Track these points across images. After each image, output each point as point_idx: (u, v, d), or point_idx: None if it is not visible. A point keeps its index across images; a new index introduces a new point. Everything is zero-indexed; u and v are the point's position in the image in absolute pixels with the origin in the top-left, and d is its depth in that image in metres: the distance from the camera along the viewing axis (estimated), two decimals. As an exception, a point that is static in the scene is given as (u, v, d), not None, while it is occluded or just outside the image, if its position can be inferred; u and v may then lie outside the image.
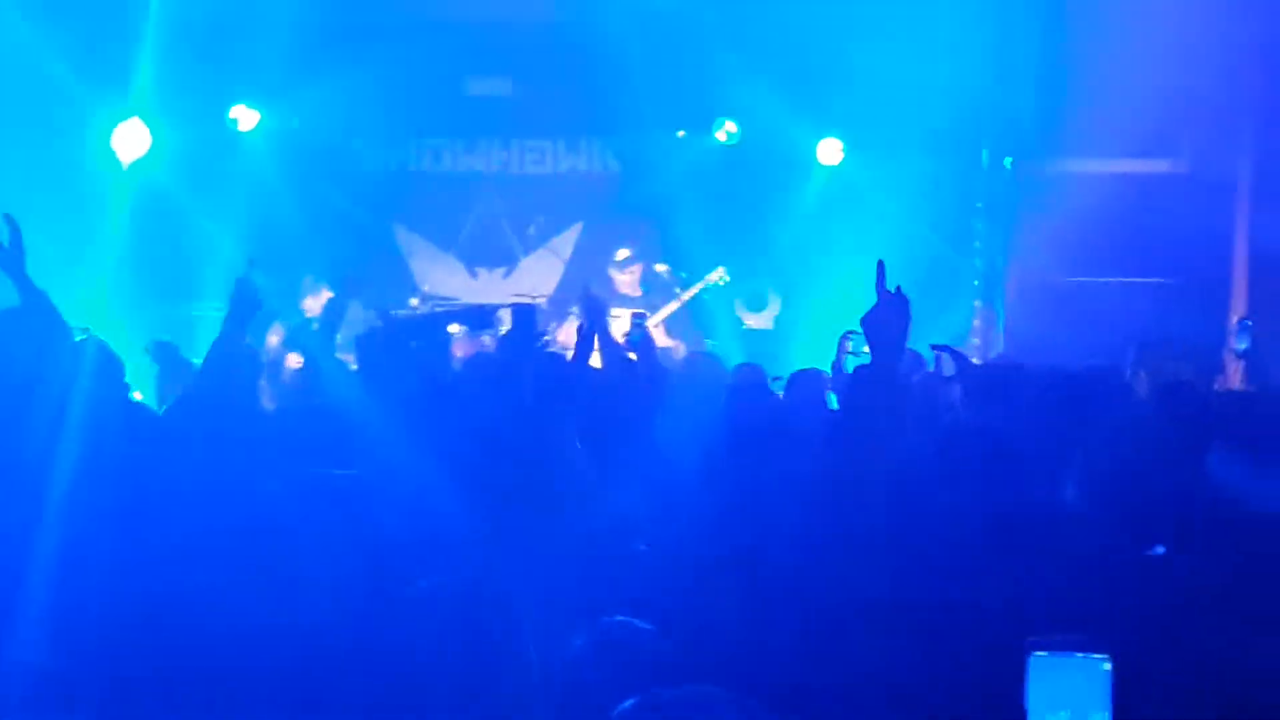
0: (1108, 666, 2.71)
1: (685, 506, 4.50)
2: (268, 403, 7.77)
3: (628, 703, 2.47)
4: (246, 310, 5.62)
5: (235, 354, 5.63)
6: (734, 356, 10.39)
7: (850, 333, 8.52)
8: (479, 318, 8.95)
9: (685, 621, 3.46)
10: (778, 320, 13.32)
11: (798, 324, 13.00)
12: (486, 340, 12.04)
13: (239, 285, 5.62)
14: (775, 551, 3.73)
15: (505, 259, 14.39)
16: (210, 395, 5.49)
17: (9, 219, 5.50)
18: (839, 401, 6.74)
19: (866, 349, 7.76)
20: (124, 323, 7.41)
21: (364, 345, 6.42)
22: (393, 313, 12.05)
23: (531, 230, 14.13)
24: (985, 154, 12.96)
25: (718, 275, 12.53)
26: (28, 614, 3.62)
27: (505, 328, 11.70)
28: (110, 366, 5.49)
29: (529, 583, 4.18)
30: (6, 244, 5.46)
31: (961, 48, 12.26)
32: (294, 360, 11.62)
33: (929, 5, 12.31)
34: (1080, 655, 2.72)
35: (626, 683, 2.65)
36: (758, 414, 5.68)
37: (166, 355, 6.97)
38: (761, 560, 3.70)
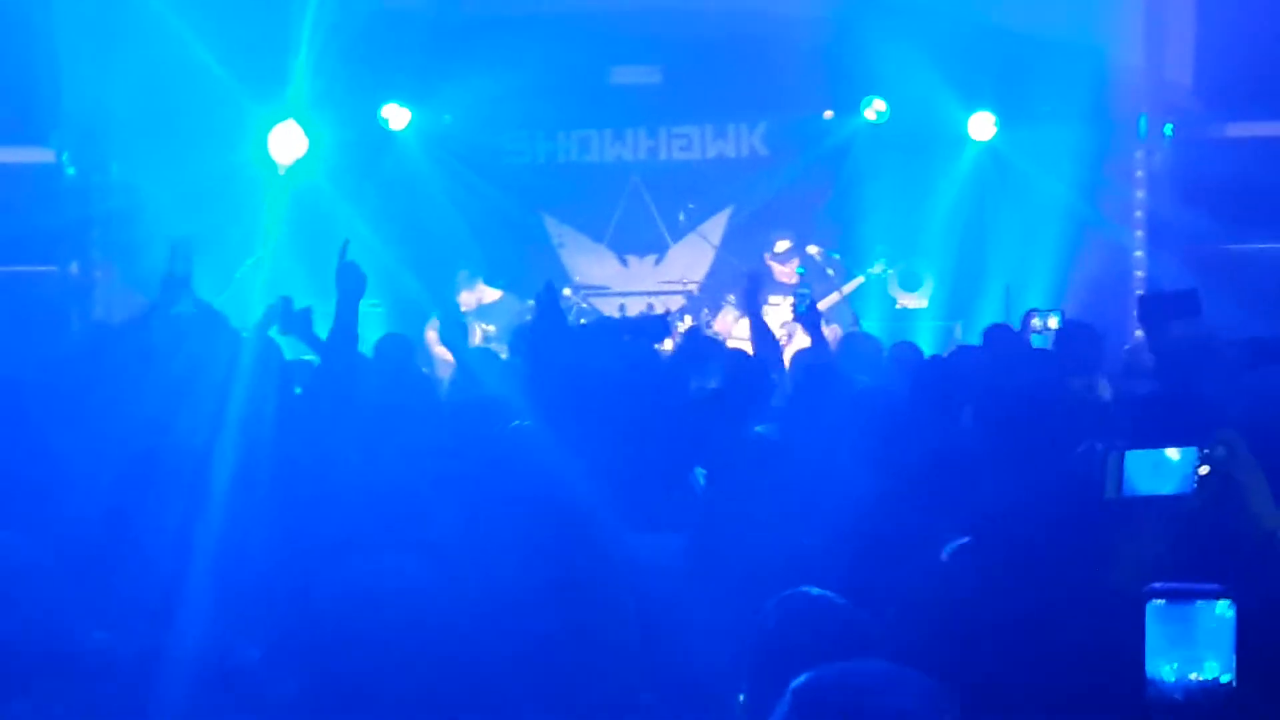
0: (1230, 613, 2.64)
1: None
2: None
3: (803, 677, 2.46)
4: (354, 293, 5.70)
5: (351, 340, 5.70)
6: (885, 337, 10.30)
7: (1034, 310, 8.38)
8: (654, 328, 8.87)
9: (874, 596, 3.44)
10: (932, 299, 13.14)
11: (953, 302, 12.84)
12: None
13: (342, 271, 5.70)
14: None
15: (655, 247, 14.40)
16: (337, 382, 5.58)
17: (180, 245, 5.82)
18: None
19: (1054, 323, 7.70)
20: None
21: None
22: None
23: (681, 217, 14.10)
24: (1143, 121, 12.65)
25: (878, 269, 12.48)
26: (194, 608, 3.69)
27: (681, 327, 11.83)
28: (275, 363, 5.65)
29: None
30: (178, 270, 5.78)
31: (1114, 9, 11.99)
32: (443, 352, 11.79)
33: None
34: (1200, 601, 2.65)
35: (814, 655, 2.64)
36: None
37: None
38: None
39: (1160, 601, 2.65)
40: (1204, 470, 2.99)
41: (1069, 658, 2.97)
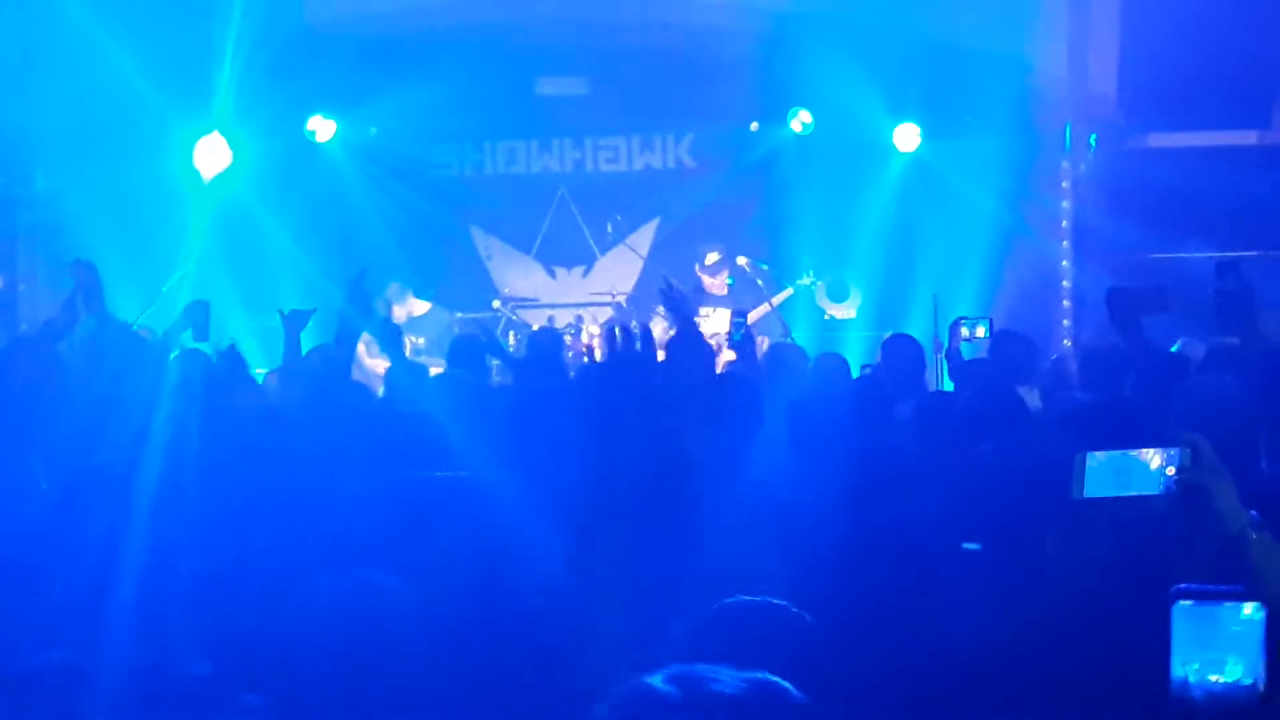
0: (1259, 615, 2.67)
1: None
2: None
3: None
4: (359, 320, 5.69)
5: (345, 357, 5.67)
6: (814, 348, 10.34)
7: (961, 319, 8.45)
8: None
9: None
10: (861, 309, 13.22)
11: (881, 313, 12.91)
12: (568, 340, 12.07)
13: (351, 291, 5.68)
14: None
15: (583, 258, 14.38)
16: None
17: (83, 265, 5.81)
18: None
19: (981, 332, 7.80)
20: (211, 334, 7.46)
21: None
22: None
23: (609, 229, 14.08)
24: (1068, 132, 12.79)
25: (806, 280, 12.54)
26: (132, 623, 3.64)
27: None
28: (199, 373, 5.60)
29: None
30: (81, 288, 5.76)
31: (1038, 21, 12.13)
32: (379, 366, 11.72)
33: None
34: (1227, 603, 2.69)
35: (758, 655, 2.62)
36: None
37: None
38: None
39: (1187, 603, 2.67)
40: (1170, 471, 3.01)
41: (1082, 659, 2.98)
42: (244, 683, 3.15)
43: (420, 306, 12.59)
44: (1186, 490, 2.96)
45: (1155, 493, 3.00)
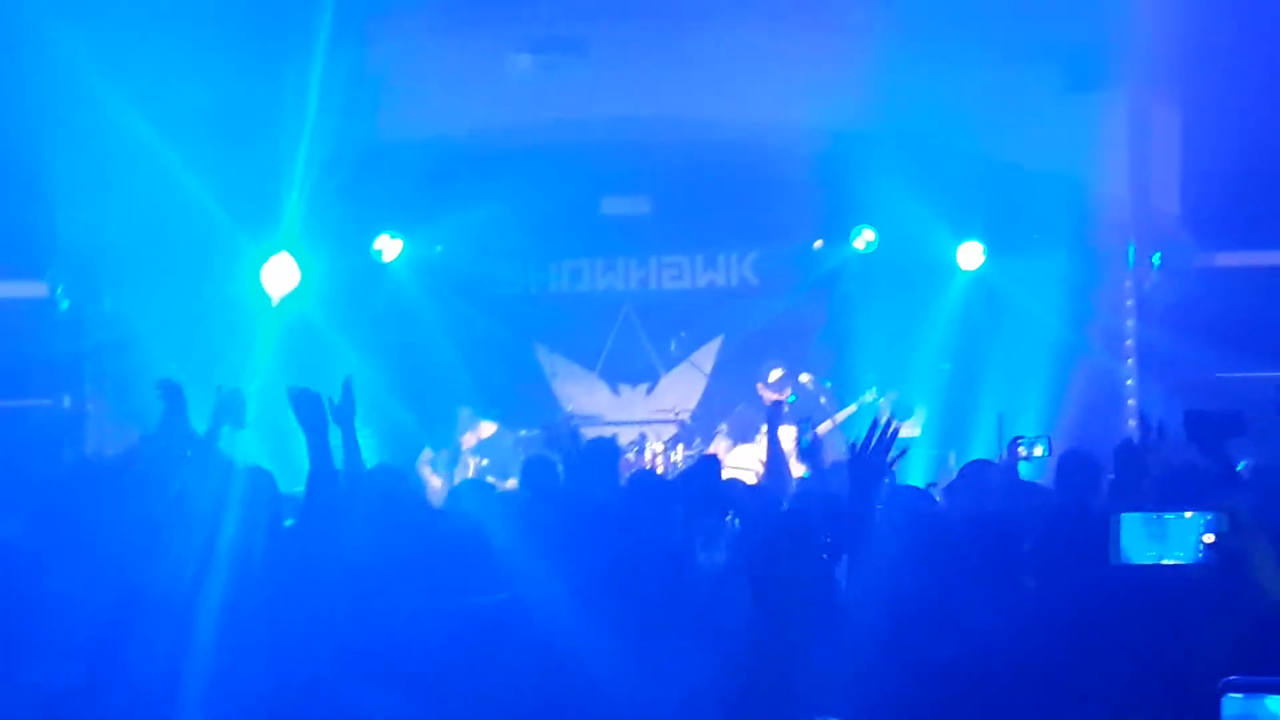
0: None
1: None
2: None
3: None
4: (317, 424, 5.58)
5: (328, 472, 5.57)
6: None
7: (1019, 438, 8.39)
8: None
9: None
10: (925, 427, 13.13)
11: (945, 431, 12.82)
12: (630, 458, 12.07)
13: (296, 402, 5.59)
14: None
15: (647, 375, 14.41)
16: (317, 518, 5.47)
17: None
18: None
19: (1039, 452, 7.71)
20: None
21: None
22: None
23: (673, 346, 14.13)
24: (1132, 251, 12.75)
25: (870, 397, 12.50)
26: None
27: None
28: (266, 495, 5.60)
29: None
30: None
31: (1100, 140, 12.13)
32: (436, 482, 11.76)
33: (1063, 102, 12.24)
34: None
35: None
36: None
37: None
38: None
39: (1237, 696, 2.54)
40: (1208, 539, 2.88)
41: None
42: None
43: (488, 429, 12.64)
44: (1224, 557, 2.84)
45: (1191, 560, 2.89)
